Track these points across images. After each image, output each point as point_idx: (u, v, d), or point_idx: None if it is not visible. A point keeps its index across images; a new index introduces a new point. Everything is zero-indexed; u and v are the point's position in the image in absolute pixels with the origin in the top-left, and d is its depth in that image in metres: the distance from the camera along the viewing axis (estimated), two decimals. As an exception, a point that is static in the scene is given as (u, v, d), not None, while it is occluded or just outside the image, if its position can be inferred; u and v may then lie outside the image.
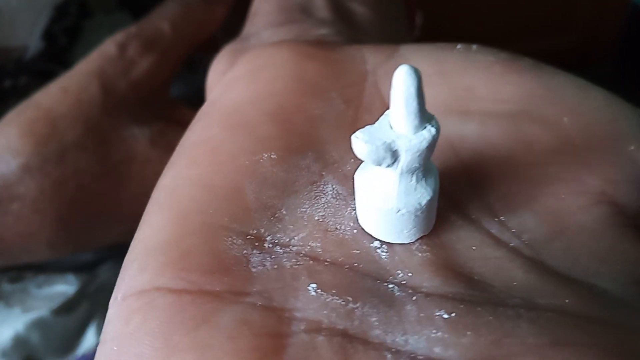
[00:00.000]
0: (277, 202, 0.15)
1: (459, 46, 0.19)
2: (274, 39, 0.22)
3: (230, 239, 0.14)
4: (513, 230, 0.15)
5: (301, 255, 0.14)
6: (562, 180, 0.16)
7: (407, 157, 0.13)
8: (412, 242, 0.14)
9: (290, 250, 0.14)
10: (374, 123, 0.13)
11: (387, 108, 0.18)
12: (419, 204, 0.13)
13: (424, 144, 0.13)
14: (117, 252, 0.30)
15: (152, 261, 0.14)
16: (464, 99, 0.17)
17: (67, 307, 0.29)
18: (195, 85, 0.33)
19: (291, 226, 0.15)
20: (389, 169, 0.13)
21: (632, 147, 0.16)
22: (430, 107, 0.17)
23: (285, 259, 0.14)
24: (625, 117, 0.17)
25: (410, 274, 0.14)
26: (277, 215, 0.15)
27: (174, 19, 0.30)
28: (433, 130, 0.13)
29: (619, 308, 0.13)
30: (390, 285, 0.13)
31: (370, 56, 0.19)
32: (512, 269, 0.14)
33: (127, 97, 0.29)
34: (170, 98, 0.31)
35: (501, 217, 0.15)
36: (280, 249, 0.14)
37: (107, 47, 0.29)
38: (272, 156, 0.16)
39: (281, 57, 0.19)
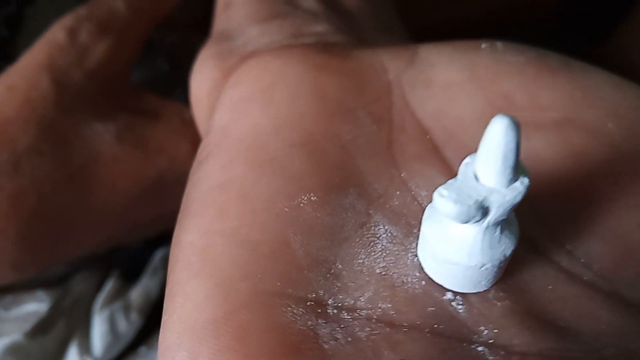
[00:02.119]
0: (329, 255, 0.13)
1: (483, 45, 0.17)
2: (265, 39, 0.19)
3: (289, 308, 0.12)
4: (582, 260, 0.14)
5: (374, 321, 0.12)
6: (618, 193, 0.15)
7: (497, 212, 0.11)
8: (488, 290, 0.13)
9: (360, 315, 0.12)
10: (456, 175, 0.12)
11: (419, 124, 0.16)
12: (504, 255, 0.12)
13: (519, 198, 0.11)
14: (90, 260, 0.28)
15: (204, 348, 0.12)
16: (504, 110, 0.16)
17: (42, 328, 0.26)
18: (157, 69, 0.29)
19: (352, 284, 0.13)
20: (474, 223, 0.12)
21: None
22: (470, 121, 0.16)
23: (357, 328, 0.12)
24: None
25: (495, 330, 0.12)
26: (332, 271, 0.13)
27: None
28: (526, 181, 0.11)
29: None
30: (480, 348, 0.12)
31: (390, 63, 0.17)
32: (595, 310, 0.13)
33: (84, 90, 0.26)
34: (132, 85, 0.28)
35: (567, 246, 0.14)
36: (348, 314, 0.12)
37: (55, 34, 0.25)
38: (312, 198, 0.14)
39: (294, 71, 0.17)
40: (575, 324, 0.13)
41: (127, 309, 0.26)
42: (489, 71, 0.16)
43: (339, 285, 0.13)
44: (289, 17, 0.20)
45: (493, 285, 0.13)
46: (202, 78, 0.19)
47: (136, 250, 0.28)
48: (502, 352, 0.12)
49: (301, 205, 0.14)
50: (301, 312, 0.12)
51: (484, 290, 0.13)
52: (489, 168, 0.11)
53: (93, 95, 0.26)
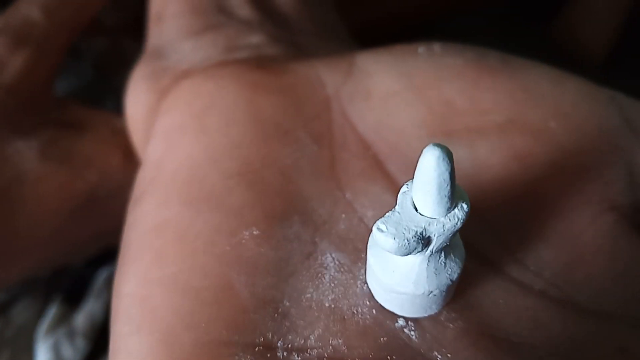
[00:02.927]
0: (276, 293, 0.13)
1: (420, 49, 0.17)
2: (199, 55, 0.18)
3: (237, 357, 0.12)
4: (532, 268, 0.13)
5: (325, 359, 0.12)
6: (564, 194, 0.15)
7: (438, 241, 0.11)
8: (440, 312, 0.13)
9: (310, 355, 0.12)
10: (394, 208, 0.11)
11: (361, 139, 0.15)
12: (451, 280, 0.12)
13: (459, 225, 0.11)
14: (31, 287, 0.26)
15: None
16: (445, 117, 0.15)
17: (-16, 362, 0.25)
18: (85, 77, 0.28)
19: (301, 321, 0.12)
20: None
21: (619, 139, 0.15)
22: (412, 132, 0.15)
23: None
24: (605, 106, 0.16)
25: (449, 355, 0.12)
26: (280, 310, 0.12)
27: (46, 3, 0.24)
28: (465, 207, 0.11)
29: None
30: None
31: (328, 76, 0.16)
32: (548, 321, 0.13)
33: (1, 106, 0.24)
34: (56, 97, 0.26)
35: (517, 255, 0.14)
36: (298, 356, 0.12)
37: None
38: (254, 232, 0.13)
39: (228, 93, 0.16)
40: (529, 338, 0.12)
41: (72, 335, 0.25)
42: (427, 77, 0.16)
43: (288, 324, 0.12)
44: (222, 28, 0.19)
45: (444, 306, 0.13)
46: (136, 102, 0.18)
47: (78, 272, 0.27)
48: None
49: (243, 241, 0.13)
50: None
51: (436, 313, 0.13)
52: (426, 199, 0.11)
53: (12, 111, 0.24)
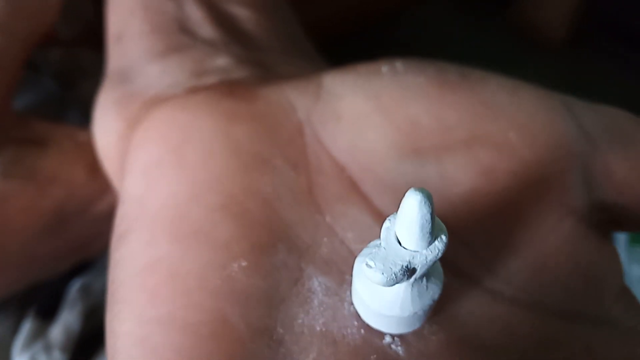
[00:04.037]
0: (269, 321, 0.13)
1: (384, 68, 0.17)
2: (167, 80, 0.18)
3: None
4: (502, 276, 0.15)
5: None
6: (527, 203, 0.16)
7: (422, 270, 0.12)
8: (423, 326, 0.14)
9: None
10: (379, 243, 0.12)
11: (335, 162, 0.16)
12: (433, 300, 0.13)
13: (440, 254, 0.12)
14: (4, 304, 0.26)
15: None
16: (413, 136, 0.16)
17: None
18: (43, 91, 0.27)
19: (296, 347, 0.13)
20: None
21: (573, 144, 0.16)
22: (383, 152, 0.16)
23: None
24: (558, 114, 0.17)
25: None
26: (275, 337, 0.13)
27: None
28: (444, 238, 0.12)
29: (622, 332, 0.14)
30: None
31: (298, 101, 0.17)
32: (518, 326, 0.14)
33: None
34: (15, 114, 0.26)
35: (488, 265, 0.15)
36: None
37: None
38: (243, 264, 0.14)
39: (203, 124, 0.16)
40: (504, 345, 0.14)
41: (48, 349, 0.25)
42: (393, 97, 0.17)
43: (284, 351, 0.13)
44: (188, 51, 0.19)
45: (426, 320, 0.14)
46: (105, 130, 0.18)
47: (49, 285, 0.27)
48: None
49: (233, 274, 0.14)
50: None
51: (419, 327, 0.14)
52: (409, 236, 0.11)
53: None
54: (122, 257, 0.15)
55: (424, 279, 0.13)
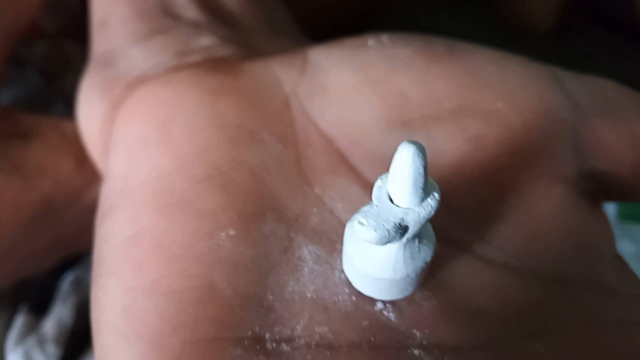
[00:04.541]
0: (259, 288, 0.13)
1: (370, 42, 0.17)
2: (150, 61, 0.18)
3: (227, 352, 0.12)
4: (494, 244, 0.15)
5: (313, 347, 0.13)
6: (517, 170, 0.16)
7: (414, 228, 0.12)
8: (414, 292, 0.14)
9: (299, 344, 0.13)
10: (370, 202, 0.12)
11: (323, 135, 0.16)
12: (425, 262, 0.13)
13: (432, 212, 0.12)
14: (1, 303, 0.26)
15: None
16: (401, 107, 0.16)
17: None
18: (29, 84, 0.27)
19: (286, 313, 0.13)
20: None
21: (562, 113, 0.17)
22: (371, 124, 0.16)
23: (299, 357, 0.13)
24: (547, 83, 0.17)
25: (427, 331, 0.13)
26: (265, 304, 0.13)
27: None
28: (437, 195, 0.12)
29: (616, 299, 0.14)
30: (416, 351, 0.13)
31: (284, 74, 0.17)
32: (512, 291, 0.14)
33: None
34: (2, 108, 0.25)
35: (479, 233, 0.15)
36: (287, 345, 0.13)
37: None
38: (230, 233, 0.14)
39: (187, 100, 0.16)
40: (498, 309, 0.14)
41: (42, 343, 0.25)
42: (380, 70, 0.17)
43: (274, 317, 0.13)
44: (171, 32, 0.19)
45: (418, 287, 0.14)
46: (89, 114, 0.18)
47: (42, 279, 0.27)
48: (437, 352, 0.13)
49: (220, 242, 0.14)
50: (241, 353, 0.12)
51: (411, 294, 0.14)
52: (402, 192, 0.11)
53: None
54: (106, 232, 0.15)
55: (416, 240, 0.12)
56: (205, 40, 0.18)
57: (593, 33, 0.41)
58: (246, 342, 0.12)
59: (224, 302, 0.13)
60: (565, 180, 0.16)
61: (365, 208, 0.12)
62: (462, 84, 0.16)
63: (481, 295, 0.14)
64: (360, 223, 0.11)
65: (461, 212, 0.15)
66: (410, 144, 0.11)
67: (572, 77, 0.18)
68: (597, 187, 0.17)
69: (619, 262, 0.15)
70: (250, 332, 0.13)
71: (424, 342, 0.13)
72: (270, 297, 0.13)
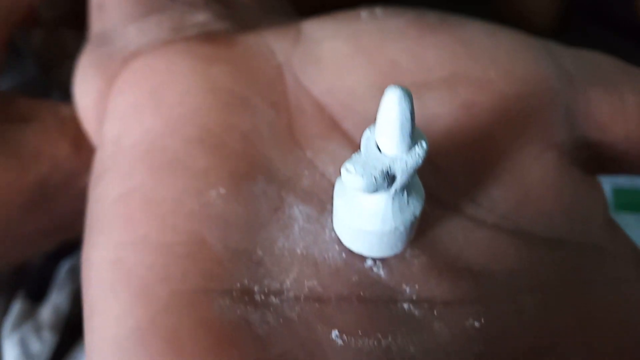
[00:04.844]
0: (248, 244, 0.13)
1: (363, 14, 0.18)
2: (146, 37, 0.18)
3: (215, 302, 0.12)
4: (485, 205, 0.15)
5: (302, 299, 0.13)
6: (509, 136, 0.16)
7: (402, 178, 0.12)
8: (404, 250, 0.14)
9: (288, 296, 0.13)
10: (359, 148, 0.12)
11: (316, 102, 0.16)
12: (414, 216, 0.13)
13: (420, 161, 0.12)
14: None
15: (134, 359, 0.12)
16: (393, 75, 0.16)
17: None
18: (27, 73, 0.27)
19: (276, 268, 0.13)
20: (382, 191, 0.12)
21: (554, 82, 0.17)
22: (363, 91, 0.16)
23: (287, 309, 0.12)
24: (538, 54, 0.17)
25: (417, 286, 0.13)
26: (254, 259, 0.13)
27: None
28: (424, 144, 0.12)
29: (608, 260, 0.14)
30: (405, 305, 0.13)
31: (277, 45, 0.17)
32: (503, 249, 0.14)
33: None
34: (1, 93, 0.26)
35: (470, 195, 0.15)
36: (276, 298, 0.13)
37: None
38: (221, 191, 0.14)
39: (181, 67, 0.16)
40: (488, 266, 0.14)
41: (38, 329, 0.25)
42: (373, 39, 0.17)
43: (263, 271, 0.13)
44: (166, 11, 0.19)
45: (408, 245, 0.14)
46: (85, 91, 0.18)
47: (39, 267, 0.27)
48: (426, 305, 0.13)
49: (211, 200, 0.14)
50: (228, 304, 0.12)
51: (401, 252, 0.14)
52: (389, 138, 0.11)
53: None
54: (99, 194, 0.15)
55: (405, 193, 0.12)
56: (200, 17, 0.19)
57: (593, 33, 0.41)
58: (234, 294, 0.12)
59: (213, 256, 0.13)
60: (557, 147, 0.16)
61: (353, 156, 0.12)
62: (454, 53, 0.17)
63: (471, 253, 0.14)
64: (347, 170, 0.11)
65: (452, 175, 0.15)
66: (397, 88, 0.11)
67: (564, 49, 0.18)
68: (591, 157, 0.17)
69: (613, 226, 0.15)
70: (239, 285, 0.13)
71: (414, 297, 0.13)
72: (260, 253, 0.13)
